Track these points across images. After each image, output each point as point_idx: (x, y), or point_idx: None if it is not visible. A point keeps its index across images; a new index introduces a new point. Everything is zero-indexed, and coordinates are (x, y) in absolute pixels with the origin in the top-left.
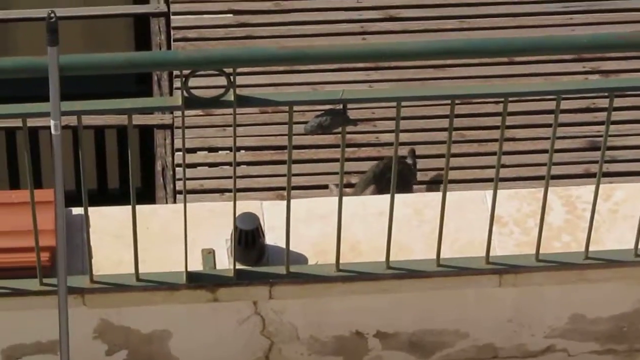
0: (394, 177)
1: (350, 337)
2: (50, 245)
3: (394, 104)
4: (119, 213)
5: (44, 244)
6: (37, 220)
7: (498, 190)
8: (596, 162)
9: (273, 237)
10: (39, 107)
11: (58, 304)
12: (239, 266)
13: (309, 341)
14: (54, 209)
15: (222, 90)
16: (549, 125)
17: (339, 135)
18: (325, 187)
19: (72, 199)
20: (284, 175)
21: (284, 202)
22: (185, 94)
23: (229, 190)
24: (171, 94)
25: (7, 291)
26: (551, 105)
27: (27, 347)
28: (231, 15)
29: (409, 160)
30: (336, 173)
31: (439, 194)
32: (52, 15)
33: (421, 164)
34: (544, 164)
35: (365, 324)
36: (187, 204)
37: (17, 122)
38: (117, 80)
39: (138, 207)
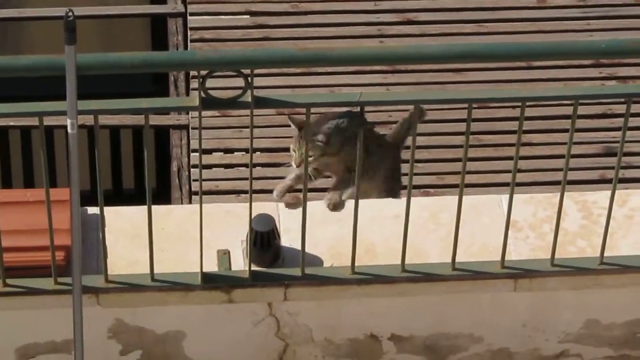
0: (410, 179)
1: (365, 339)
2: (65, 245)
3: (411, 107)
4: (135, 213)
5: (59, 243)
6: (52, 219)
7: (514, 195)
8: (612, 167)
9: (288, 238)
10: (56, 105)
11: (73, 303)
12: (254, 267)
13: (324, 343)
14: (70, 208)
15: (238, 92)
16: (566, 131)
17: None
18: None
19: (87, 199)
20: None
21: (300, 204)
22: (203, 95)
23: (245, 192)
24: (187, 94)
25: (22, 290)
26: (568, 110)
27: (41, 346)
28: (248, 16)
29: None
30: None
31: (455, 198)
32: (70, 14)
33: (438, 167)
34: (560, 169)
35: (380, 327)
36: (203, 205)
37: (32, 121)
38: (133, 80)
39: (154, 207)
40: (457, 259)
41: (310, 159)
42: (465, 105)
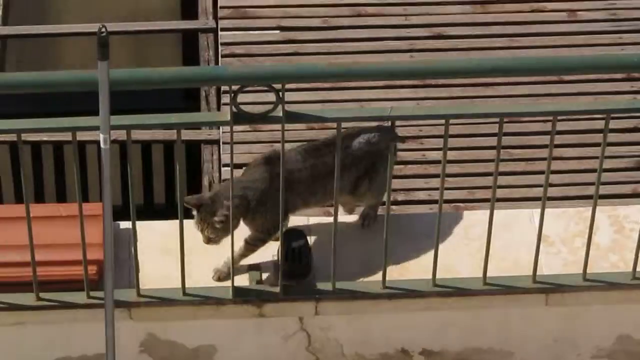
0: (441, 194)
1: (396, 354)
2: (98, 259)
3: (442, 121)
4: (166, 227)
5: (91, 257)
6: (85, 233)
7: (545, 209)
8: None
9: (319, 253)
10: (89, 120)
11: (105, 317)
12: (285, 282)
13: (354, 358)
14: (102, 223)
15: (269, 106)
16: (597, 145)
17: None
18: None
19: (119, 213)
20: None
21: (331, 219)
22: (234, 110)
23: None
24: (219, 109)
25: (55, 304)
26: (599, 124)
27: None
28: (278, 31)
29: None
30: None
31: (486, 212)
32: (103, 29)
33: (469, 182)
34: (592, 184)
35: (411, 342)
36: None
37: (65, 136)
38: (164, 95)
39: (185, 221)
40: (489, 274)
41: (212, 237)
42: (497, 120)
